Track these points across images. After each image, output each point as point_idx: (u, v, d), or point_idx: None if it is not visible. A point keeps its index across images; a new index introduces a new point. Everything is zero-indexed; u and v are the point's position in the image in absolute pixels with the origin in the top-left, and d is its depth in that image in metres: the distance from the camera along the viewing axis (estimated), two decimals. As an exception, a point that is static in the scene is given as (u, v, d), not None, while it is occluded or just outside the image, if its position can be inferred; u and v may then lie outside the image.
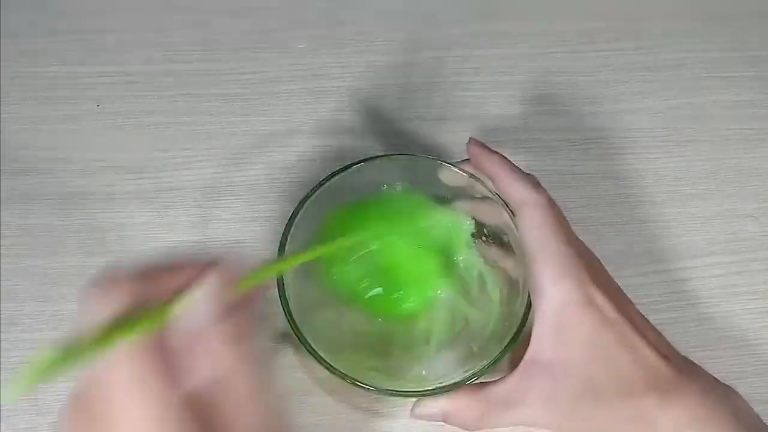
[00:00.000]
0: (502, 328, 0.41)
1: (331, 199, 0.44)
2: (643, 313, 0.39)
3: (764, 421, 0.37)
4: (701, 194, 0.52)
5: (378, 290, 0.43)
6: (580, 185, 0.52)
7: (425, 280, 0.44)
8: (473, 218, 0.45)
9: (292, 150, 0.52)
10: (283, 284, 0.40)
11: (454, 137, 0.53)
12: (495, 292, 0.44)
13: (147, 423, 0.26)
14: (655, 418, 0.35)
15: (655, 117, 0.54)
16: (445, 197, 0.46)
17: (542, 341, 0.37)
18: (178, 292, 0.29)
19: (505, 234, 0.43)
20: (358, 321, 0.44)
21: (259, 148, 0.52)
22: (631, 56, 0.57)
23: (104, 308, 0.27)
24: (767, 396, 0.45)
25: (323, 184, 0.43)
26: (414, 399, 0.39)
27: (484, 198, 0.44)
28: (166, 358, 0.27)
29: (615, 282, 0.40)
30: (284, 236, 0.41)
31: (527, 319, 0.39)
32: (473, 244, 0.45)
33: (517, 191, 0.40)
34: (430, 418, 0.39)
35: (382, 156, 0.45)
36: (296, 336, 0.39)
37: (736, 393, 0.38)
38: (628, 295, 0.40)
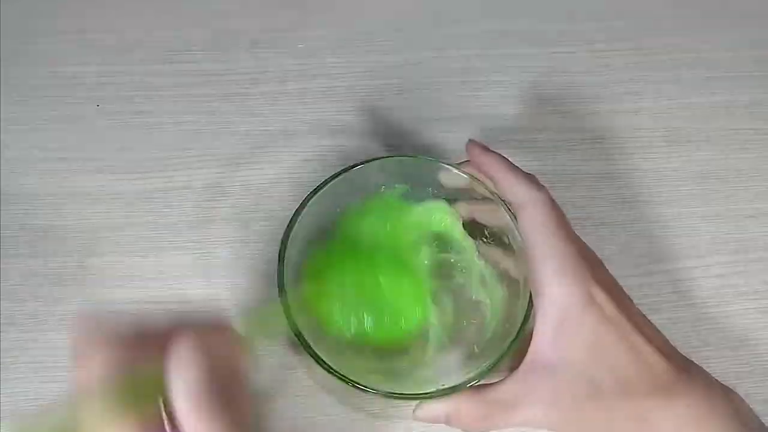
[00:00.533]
0: (503, 329, 0.41)
1: (333, 200, 0.44)
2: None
3: (764, 422, 0.38)
4: (701, 194, 0.52)
5: (369, 321, 0.43)
6: (580, 185, 0.52)
7: (416, 298, 0.44)
8: (474, 219, 0.45)
9: (293, 150, 0.52)
10: (284, 287, 0.40)
11: (454, 138, 0.52)
12: (496, 292, 0.44)
13: None
14: (657, 417, 0.35)
15: (655, 117, 0.54)
16: (446, 198, 0.46)
17: (543, 342, 0.37)
18: (155, 359, 0.28)
19: (506, 235, 0.43)
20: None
21: (259, 149, 0.52)
22: (631, 56, 0.57)
23: (87, 374, 0.27)
24: (767, 396, 0.45)
25: (325, 184, 0.43)
26: (416, 401, 0.39)
27: (484, 199, 0.44)
28: None
29: (616, 281, 0.40)
30: (285, 237, 0.41)
31: (528, 319, 0.39)
32: (469, 238, 0.45)
33: (518, 191, 0.40)
34: (433, 420, 0.39)
35: (383, 157, 0.45)
36: (297, 338, 0.39)
37: (736, 393, 0.38)
38: (628, 295, 0.40)
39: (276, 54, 0.56)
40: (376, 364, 0.42)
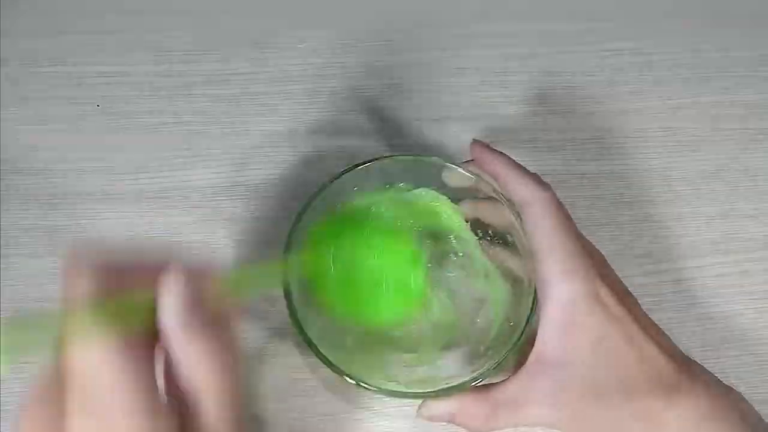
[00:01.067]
0: (508, 328, 0.41)
1: (336, 200, 0.44)
2: (643, 313, 0.40)
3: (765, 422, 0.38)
4: (701, 194, 0.52)
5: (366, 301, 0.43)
6: (580, 185, 0.52)
7: (409, 283, 0.44)
8: (478, 219, 0.45)
9: (293, 150, 0.52)
10: (288, 284, 0.40)
11: (455, 137, 0.52)
12: (500, 290, 0.44)
13: (138, 417, 0.26)
14: (661, 417, 0.35)
15: (655, 117, 0.54)
16: (450, 197, 0.46)
17: (548, 340, 0.37)
18: (146, 284, 0.28)
19: (510, 234, 0.43)
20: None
21: (259, 149, 0.52)
22: (631, 56, 0.57)
23: (75, 290, 0.27)
24: (767, 396, 0.45)
25: (328, 184, 0.43)
26: (420, 400, 0.39)
27: (488, 198, 0.44)
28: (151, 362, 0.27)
29: (620, 279, 0.40)
30: (290, 238, 0.41)
31: (533, 318, 0.39)
32: (470, 231, 0.46)
33: (522, 189, 0.40)
34: (437, 419, 0.39)
35: (387, 156, 0.45)
36: (301, 336, 0.39)
37: (737, 392, 0.38)
38: (633, 294, 0.40)
39: (276, 54, 0.56)
40: (379, 362, 0.42)
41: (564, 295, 0.37)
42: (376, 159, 0.44)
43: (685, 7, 0.59)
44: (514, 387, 0.37)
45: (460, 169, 0.44)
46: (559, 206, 0.39)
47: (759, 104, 0.55)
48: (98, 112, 0.53)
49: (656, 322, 0.39)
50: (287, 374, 0.45)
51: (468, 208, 0.46)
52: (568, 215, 0.40)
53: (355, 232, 0.45)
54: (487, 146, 0.42)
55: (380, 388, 0.38)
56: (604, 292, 0.37)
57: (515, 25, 0.58)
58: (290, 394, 0.45)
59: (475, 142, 0.43)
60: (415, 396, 0.39)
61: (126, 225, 0.49)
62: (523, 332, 0.39)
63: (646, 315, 0.39)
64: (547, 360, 0.37)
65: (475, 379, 0.39)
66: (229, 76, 0.55)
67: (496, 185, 0.42)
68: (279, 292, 0.40)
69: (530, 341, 0.38)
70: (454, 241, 0.46)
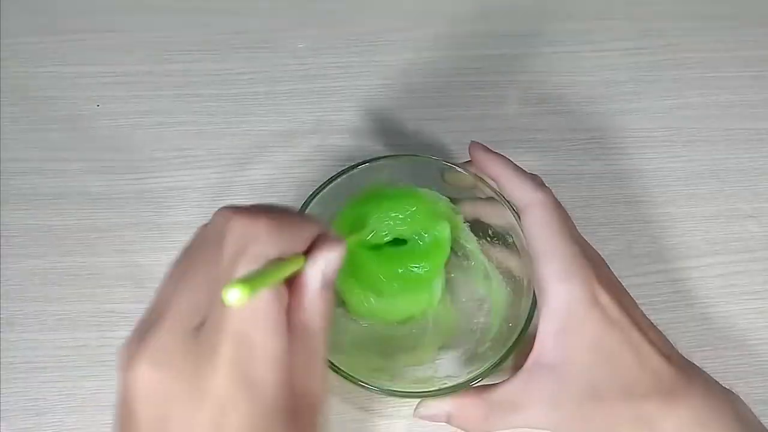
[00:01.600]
0: (506, 329, 0.41)
1: (336, 200, 0.44)
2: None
3: (763, 423, 0.38)
4: (701, 194, 0.52)
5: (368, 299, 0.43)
6: (580, 185, 0.52)
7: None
8: (478, 219, 0.45)
9: (293, 150, 0.52)
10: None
11: (455, 137, 0.53)
12: (499, 291, 0.44)
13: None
14: (658, 420, 0.35)
15: (655, 117, 0.54)
16: (450, 198, 0.46)
17: (546, 343, 0.37)
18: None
19: (510, 235, 0.43)
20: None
21: (259, 148, 0.52)
22: (631, 56, 0.57)
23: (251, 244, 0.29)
24: (767, 396, 0.45)
25: (328, 184, 0.43)
26: (418, 400, 0.39)
27: (488, 199, 0.44)
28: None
29: (619, 282, 0.40)
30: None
31: (531, 319, 0.39)
32: (470, 231, 0.46)
33: (522, 192, 0.40)
34: (434, 419, 0.39)
35: (387, 156, 0.45)
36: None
37: (736, 395, 0.38)
38: (632, 296, 0.40)
39: (276, 54, 0.56)
40: (378, 363, 0.42)
41: (562, 299, 0.37)
42: (377, 158, 0.44)
43: (685, 8, 0.59)
44: (512, 388, 0.37)
45: (460, 169, 0.44)
46: (558, 208, 0.39)
47: (758, 104, 0.55)
48: (98, 111, 0.53)
49: (654, 322, 0.39)
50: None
51: (468, 208, 0.46)
52: (567, 217, 0.39)
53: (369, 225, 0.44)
54: (486, 148, 0.42)
55: (379, 387, 0.38)
56: (603, 296, 0.37)
57: (515, 25, 0.58)
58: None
59: (473, 143, 0.43)
60: (414, 396, 0.39)
61: (126, 225, 0.49)
62: (521, 333, 0.39)
63: (645, 317, 0.39)
64: (546, 362, 0.37)
65: (473, 379, 0.39)
66: (229, 75, 0.55)
67: (495, 186, 0.42)
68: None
69: (529, 342, 0.38)
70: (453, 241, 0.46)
